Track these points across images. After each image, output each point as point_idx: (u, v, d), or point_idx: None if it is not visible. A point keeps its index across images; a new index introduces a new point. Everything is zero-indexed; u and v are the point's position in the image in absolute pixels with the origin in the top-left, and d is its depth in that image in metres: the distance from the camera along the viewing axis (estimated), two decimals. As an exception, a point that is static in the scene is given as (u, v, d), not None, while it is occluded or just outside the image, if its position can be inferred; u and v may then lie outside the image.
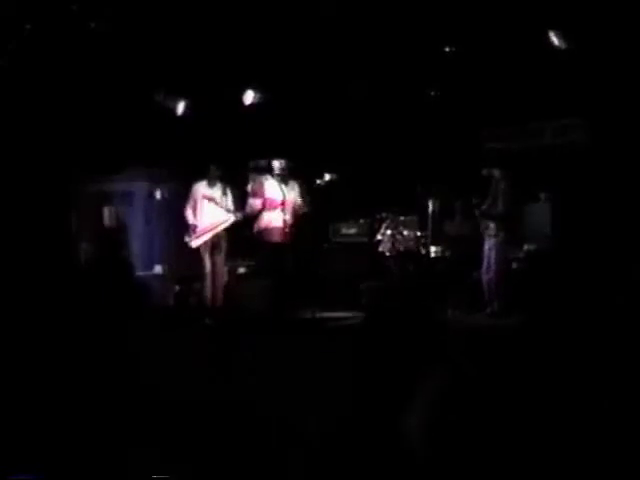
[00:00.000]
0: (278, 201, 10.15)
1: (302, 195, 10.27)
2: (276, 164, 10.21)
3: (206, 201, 10.39)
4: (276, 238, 10.16)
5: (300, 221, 10.30)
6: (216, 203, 10.31)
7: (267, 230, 10.18)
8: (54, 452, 5.47)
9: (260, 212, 10.16)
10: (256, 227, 10.20)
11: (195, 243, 10.36)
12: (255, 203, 10.11)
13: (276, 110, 11.37)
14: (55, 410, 6.11)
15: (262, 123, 11.38)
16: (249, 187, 10.29)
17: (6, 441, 5.51)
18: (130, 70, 10.48)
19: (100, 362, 7.00)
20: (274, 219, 10.20)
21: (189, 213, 10.43)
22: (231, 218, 10.44)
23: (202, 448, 5.87)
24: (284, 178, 10.26)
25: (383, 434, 5.50)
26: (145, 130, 11.29)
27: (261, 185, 10.21)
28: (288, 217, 10.22)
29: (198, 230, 10.34)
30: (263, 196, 10.16)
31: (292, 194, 10.22)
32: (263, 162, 10.49)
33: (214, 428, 6.19)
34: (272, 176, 10.28)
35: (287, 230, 10.19)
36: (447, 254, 10.81)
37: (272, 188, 10.25)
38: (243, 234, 10.53)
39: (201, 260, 10.41)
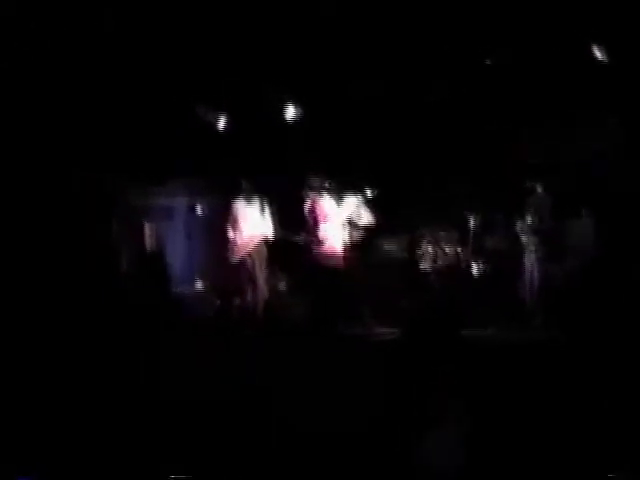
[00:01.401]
0: (338, 223, 10.23)
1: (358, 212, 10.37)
2: (328, 181, 10.24)
3: (245, 217, 10.45)
4: (334, 261, 10.18)
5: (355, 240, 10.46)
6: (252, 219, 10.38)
7: (324, 252, 10.15)
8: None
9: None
10: (315, 248, 10.16)
11: (235, 258, 10.52)
12: (325, 230, 10.04)
13: (317, 124, 11.41)
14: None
15: (303, 137, 11.42)
16: (307, 207, 10.23)
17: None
18: (172, 82, 10.63)
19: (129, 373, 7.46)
20: (334, 243, 10.21)
21: (229, 228, 10.58)
22: (270, 233, 10.54)
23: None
24: (339, 195, 10.35)
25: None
26: (186, 143, 11.35)
27: (322, 206, 10.16)
28: (346, 237, 10.33)
29: (238, 245, 10.50)
30: (328, 219, 10.14)
31: (347, 212, 10.29)
32: (317, 179, 10.34)
33: (244, 440, 6.69)
34: (328, 194, 10.29)
35: (345, 251, 10.26)
36: (488, 270, 10.90)
37: (330, 207, 10.27)
38: (285, 249, 10.66)
39: (241, 275, 10.54)
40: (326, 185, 10.22)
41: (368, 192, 10.46)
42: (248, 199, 10.62)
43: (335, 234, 10.20)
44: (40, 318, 8.97)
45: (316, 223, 10.18)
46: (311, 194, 10.22)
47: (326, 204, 10.24)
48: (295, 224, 10.68)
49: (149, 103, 10.89)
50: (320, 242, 10.13)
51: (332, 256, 10.17)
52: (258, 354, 8.42)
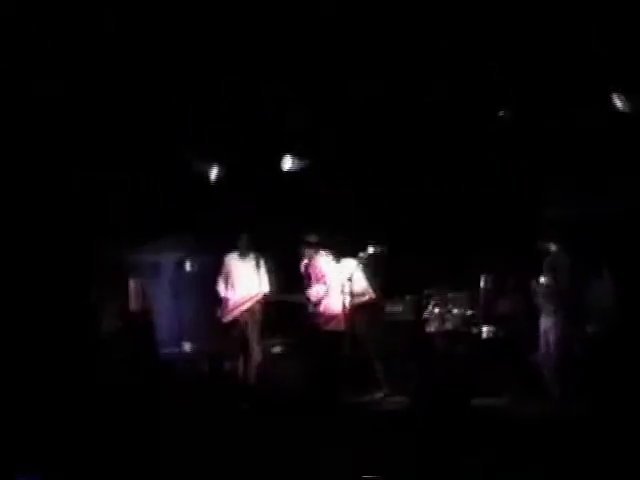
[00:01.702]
0: (338, 284, 10.03)
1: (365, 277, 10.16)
2: (328, 240, 10.16)
3: (238, 274, 10.35)
4: (334, 326, 10.02)
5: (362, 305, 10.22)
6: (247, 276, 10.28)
7: (324, 317, 10.03)
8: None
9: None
10: (311, 308, 10.06)
11: (227, 318, 10.36)
12: (321, 290, 9.96)
13: (317, 177, 11.30)
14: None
15: (302, 191, 11.33)
16: (303, 266, 10.17)
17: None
18: (161, 133, 10.47)
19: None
20: (333, 304, 10.07)
21: (220, 286, 10.47)
22: (266, 291, 10.41)
23: None
24: (339, 255, 10.22)
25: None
26: (175, 196, 11.22)
27: (320, 266, 10.05)
28: (348, 301, 10.03)
29: (230, 304, 10.38)
30: (325, 279, 10.01)
31: (348, 274, 10.02)
32: (314, 237, 10.24)
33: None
34: (328, 254, 10.18)
35: (346, 316, 10.00)
36: (500, 334, 10.54)
37: (329, 268, 10.15)
38: (280, 310, 10.55)
39: (233, 337, 10.36)
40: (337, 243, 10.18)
41: (371, 249, 10.10)
42: (242, 255, 10.44)
43: (334, 294, 9.96)
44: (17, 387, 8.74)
45: (313, 282, 10.01)
46: (308, 252, 10.07)
47: (324, 262, 10.06)
48: (292, 283, 10.56)
49: (137, 152, 10.64)
50: (318, 303, 9.95)
51: (331, 318, 9.96)
52: (250, 429, 8.28)
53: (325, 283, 9.96)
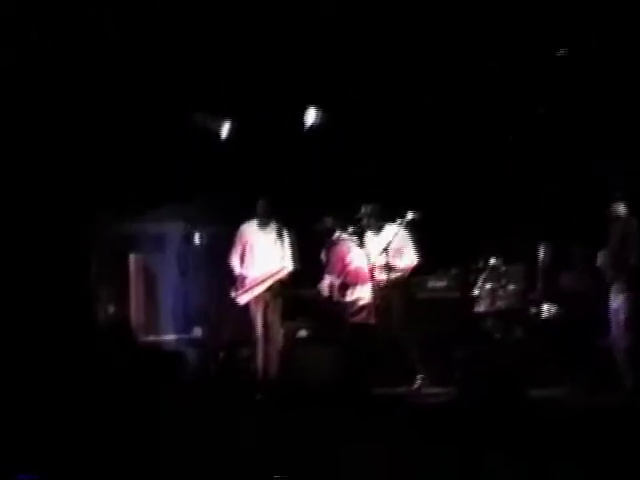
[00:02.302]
0: (366, 271, 9.67)
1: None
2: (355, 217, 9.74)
3: (257, 246, 9.91)
4: (363, 319, 9.75)
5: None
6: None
7: (351, 308, 9.78)
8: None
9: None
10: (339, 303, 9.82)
11: (243, 299, 9.91)
12: (328, 285, 9.82)
13: (344, 132, 10.83)
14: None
15: (327, 149, 10.90)
16: (323, 254, 9.91)
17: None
18: (164, 85, 10.06)
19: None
20: (361, 293, 9.82)
21: (235, 261, 10.01)
22: (288, 268, 9.90)
23: None
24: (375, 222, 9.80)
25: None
26: (182, 158, 10.81)
27: (341, 253, 9.80)
28: (383, 277, 9.62)
29: (247, 282, 9.91)
30: (344, 270, 9.72)
31: (384, 245, 9.52)
32: (330, 221, 9.89)
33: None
34: (354, 232, 9.75)
35: (377, 306, 9.62)
36: (563, 314, 10.04)
37: (357, 254, 9.79)
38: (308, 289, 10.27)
39: (251, 320, 9.95)
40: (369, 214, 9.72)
41: (409, 215, 9.53)
42: (262, 224, 9.97)
43: (362, 281, 9.70)
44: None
45: (330, 271, 9.86)
46: (336, 226, 9.80)
47: (347, 248, 9.80)
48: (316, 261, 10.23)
49: (137, 108, 10.30)
50: (348, 284, 9.77)
51: (360, 309, 9.74)
52: (272, 426, 7.95)
53: (341, 274, 9.71)
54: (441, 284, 10.87)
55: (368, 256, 9.62)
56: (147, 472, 6.65)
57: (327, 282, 9.90)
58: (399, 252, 9.69)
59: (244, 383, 10.22)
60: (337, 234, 9.82)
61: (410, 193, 10.57)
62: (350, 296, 9.82)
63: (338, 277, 9.78)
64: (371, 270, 9.56)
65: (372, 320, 9.62)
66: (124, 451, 6.95)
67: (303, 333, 10.91)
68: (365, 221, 9.79)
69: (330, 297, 9.88)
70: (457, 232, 10.94)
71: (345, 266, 9.78)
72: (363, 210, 9.81)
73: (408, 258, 9.76)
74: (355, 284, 9.79)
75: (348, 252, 9.81)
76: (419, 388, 9.68)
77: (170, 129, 10.63)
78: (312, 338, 10.84)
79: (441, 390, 9.52)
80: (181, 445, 7.16)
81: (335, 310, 9.86)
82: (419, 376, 9.68)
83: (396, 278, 9.70)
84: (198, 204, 11.75)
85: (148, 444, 7.20)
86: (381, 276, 9.58)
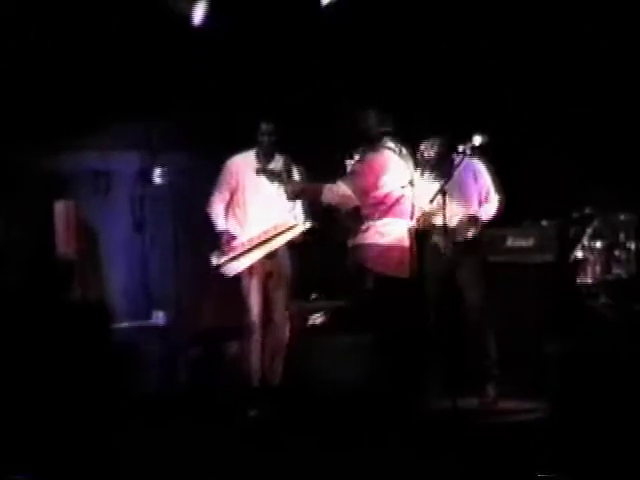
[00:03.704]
0: (405, 200, 8.00)
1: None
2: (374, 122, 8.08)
3: (254, 191, 8.54)
4: (392, 269, 7.87)
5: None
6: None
7: (381, 257, 7.92)
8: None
9: (368, 219, 7.93)
10: (356, 247, 7.98)
11: (232, 268, 8.51)
12: (344, 190, 7.84)
13: (373, 13, 9.56)
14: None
15: (351, 42, 9.62)
16: (350, 164, 8.08)
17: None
18: None
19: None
20: (396, 237, 7.95)
21: (219, 211, 8.60)
22: (301, 224, 8.64)
23: None
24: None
25: None
26: (134, 54, 9.53)
27: (376, 162, 7.89)
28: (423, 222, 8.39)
29: (238, 244, 8.50)
30: (376, 184, 7.85)
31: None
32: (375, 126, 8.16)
33: None
34: (396, 149, 8.02)
35: (415, 255, 8.09)
36: None
37: (397, 173, 7.96)
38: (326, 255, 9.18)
39: (242, 299, 8.58)
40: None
41: (477, 140, 7.91)
42: (261, 159, 8.59)
43: (399, 213, 7.96)
44: None
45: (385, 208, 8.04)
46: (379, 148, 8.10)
47: (388, 160, 7.98)
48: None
49: None
50: (397, 249, 7.96)
51: (387, 253, 7.91)
52: (272, 458, 7.10)
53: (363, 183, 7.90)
54: (526, 243, 9.51)
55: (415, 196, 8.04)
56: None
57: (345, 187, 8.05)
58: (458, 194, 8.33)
59: (231, 393, 8.96)
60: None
61: (475, 112, 9.32)
62: (376, 238, 8.07)
63: (362, 197, 8.00)
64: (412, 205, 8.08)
65: (406, 273, 7.94)
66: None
67: (319, 319, 9.43)
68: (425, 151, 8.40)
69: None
70: (549, 169, 9.66)
71: (376, 185, 8.01)
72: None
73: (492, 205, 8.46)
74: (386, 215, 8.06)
75: (386, 167, 8.03)
76: (494, 400, 8.45)
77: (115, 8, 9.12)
78: (334, 324, 9.28)
79: (528, 404, 8.21)
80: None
81: (369, 264, 8.06)
82: (494, 382, 8.50)
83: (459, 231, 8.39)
84: (160, 125, 10.33)
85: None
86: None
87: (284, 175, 8.41)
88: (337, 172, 8.45)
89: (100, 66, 9.74)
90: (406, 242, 8.01)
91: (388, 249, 7.95)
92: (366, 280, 8.05)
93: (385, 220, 8.03)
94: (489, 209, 8.44)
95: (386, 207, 8.06)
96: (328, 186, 7.91)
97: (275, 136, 8.64)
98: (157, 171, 10.30)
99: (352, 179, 7.95)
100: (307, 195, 8.31)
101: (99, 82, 9.74)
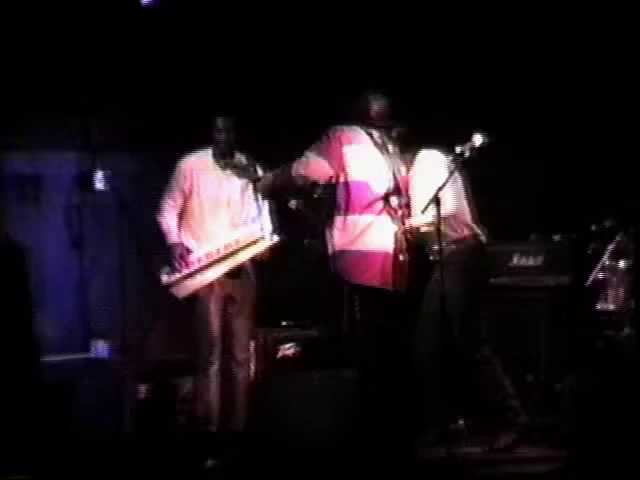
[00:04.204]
0: (382, 193, 7.37)
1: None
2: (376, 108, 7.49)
3: (211, 197, 7.92)
4: (379, 280, 7.25)
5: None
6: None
7: (360, 264, 7.32)
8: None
9: (343, 213, 7.34)
10: (337, 256, 7.33)
11: (185, 288, 7.85)
12: (313, 157, 7.40)
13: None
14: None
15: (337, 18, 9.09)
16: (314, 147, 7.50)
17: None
18: None
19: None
20: (377, 237, 7.31)
21: (170, 220, 7.90)
22: (267, 237, 7.93)
23: None
24: (399, 143, 7.68)
25: None
26: (66, 36, 8.87)
27: (344, 134, 7.38)
28: (409, 233, 7.53)
29: (193, 259, 7.86)
30: (340, 150, 7.39)
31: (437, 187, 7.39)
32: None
33: None
34: (375, 134, 7.47)
35: (405, 264, 7.46)
36: None
37: (373, 160, 7.37)
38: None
39: (198, 327, 7.89)
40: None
41: (478, 140, 7.22)
42: (222, 159, 7.92)
43: (379, 216, 7.47)
44: None
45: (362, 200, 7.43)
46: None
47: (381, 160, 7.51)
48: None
49: None
50: (378, 252, 7.36)
51: (370, 264, 7.44)
52: None
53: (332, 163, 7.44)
54: (534, 261, 8.77)
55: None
56: None
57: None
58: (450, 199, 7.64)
59: (183, 439, 8.34)
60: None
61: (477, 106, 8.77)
62: (353, 238, 7.58)
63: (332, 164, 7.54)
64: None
65: (389, 286, 7.38)
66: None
67: (290, 349, 8.88)
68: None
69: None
70: (562, 170, 9.12)
71: (340, 153, 7.56)
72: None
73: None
74: (365, 211, 7.57)
75: (352, 140, 7.58)
76: (511, 445, 7.62)
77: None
78: (309, 357, 8.79)
79: (546, 452, 7.43)
80: None
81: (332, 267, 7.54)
82: (513, 431, 7.69)
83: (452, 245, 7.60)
84: (102, 119, 9.81)
85: None
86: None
87: (251, 170, 7.77)
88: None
89: (24, 47, 8.79)
90: (391, 248, 7.46)
91: (372, 256, 7.43)
92: (348, 298, 7.48)
93: (366, 217, 7.49)
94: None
95: (366, 201, 7.45)
96: (296, 160, 7.46)
97: (234, 133, 7.90)
98: (98, 175, 9.70)
99: (317, 146, 7.42)
100: (279, 181, 7.58)
101: (24, 67, 8.74)
